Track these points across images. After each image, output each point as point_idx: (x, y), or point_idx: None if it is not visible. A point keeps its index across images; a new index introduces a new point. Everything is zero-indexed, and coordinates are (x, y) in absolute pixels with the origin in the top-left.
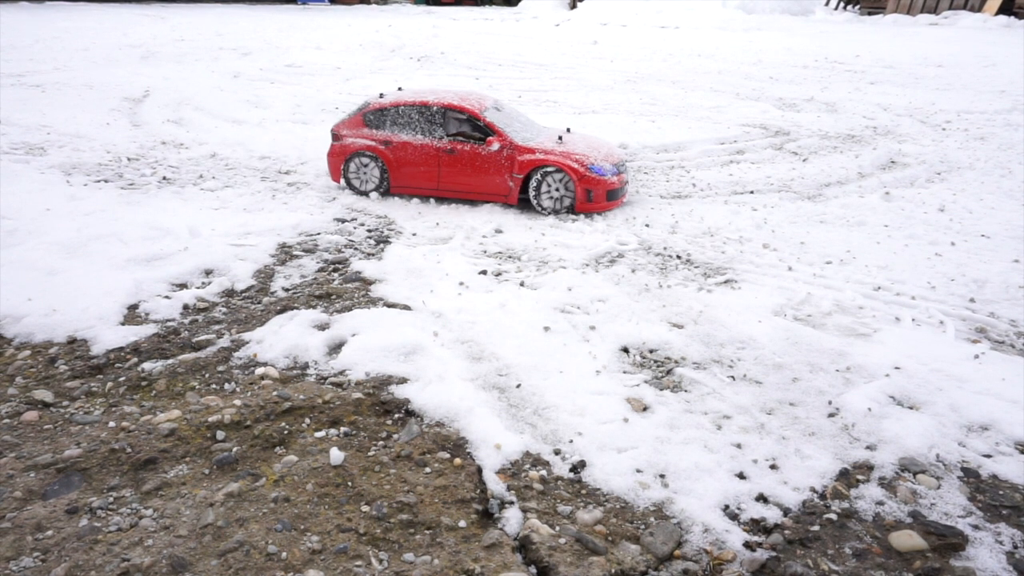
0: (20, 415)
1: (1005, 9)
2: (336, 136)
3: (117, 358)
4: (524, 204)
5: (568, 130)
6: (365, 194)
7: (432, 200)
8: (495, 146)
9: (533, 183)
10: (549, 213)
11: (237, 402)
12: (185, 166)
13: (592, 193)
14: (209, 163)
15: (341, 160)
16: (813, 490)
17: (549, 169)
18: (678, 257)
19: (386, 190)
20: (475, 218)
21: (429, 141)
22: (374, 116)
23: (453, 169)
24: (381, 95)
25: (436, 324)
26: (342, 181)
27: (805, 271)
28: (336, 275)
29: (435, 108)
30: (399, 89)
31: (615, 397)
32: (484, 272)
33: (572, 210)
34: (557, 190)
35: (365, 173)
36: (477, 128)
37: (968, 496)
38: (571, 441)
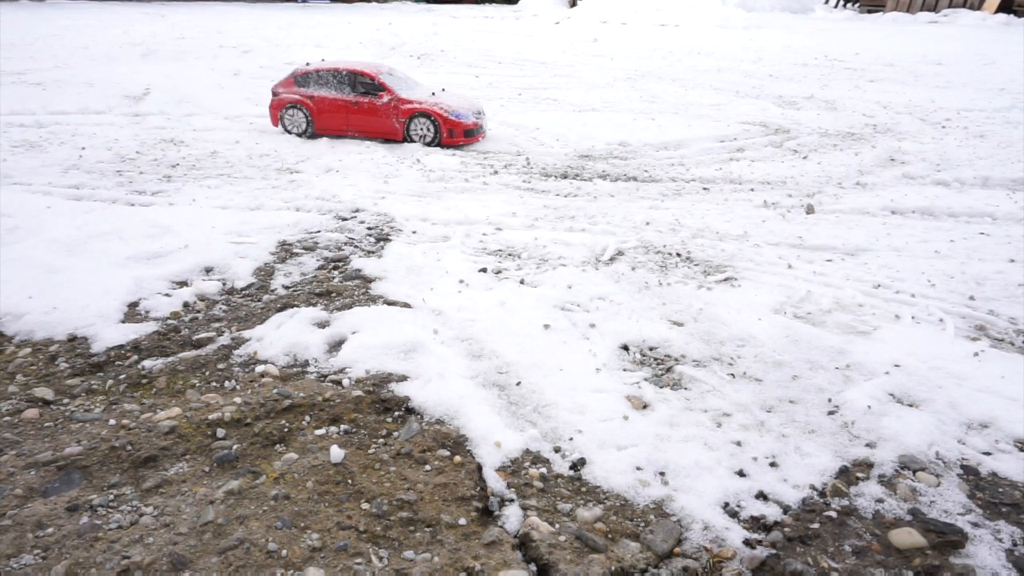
0: (21, 412)
1: (1004, 7)
2: (274, 93)
3: (117, 356)
4: (409, 141)
5: (443, 89)
6: (298, 135)
7: (345, 138)
8: (385, 99)
9: (412, 125)
10: (424, 145)
11: (237, 400)
12: (185, 164)
13: (453, 132)
14: (209, 161)
15: (278, 110)
16: (813, 488)
17: (422, 114)
18: (678, 255)
19: (311, 133)
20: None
21: (341, 96)
22: (302, 78)
23: (358, 116)
24: (307, 63)
25: (436, 322)
26: (279, 126)
27: (805, 269)
28: (336, 273)
29: (344, 72)
30: (321, 60)
31: (615, 395)
32: (484, 270)
33: (440, 144)
34: (428, 129)
35: (295, 119)
36: (374, 87)
37: (968, 494)
38: (571, 439)
